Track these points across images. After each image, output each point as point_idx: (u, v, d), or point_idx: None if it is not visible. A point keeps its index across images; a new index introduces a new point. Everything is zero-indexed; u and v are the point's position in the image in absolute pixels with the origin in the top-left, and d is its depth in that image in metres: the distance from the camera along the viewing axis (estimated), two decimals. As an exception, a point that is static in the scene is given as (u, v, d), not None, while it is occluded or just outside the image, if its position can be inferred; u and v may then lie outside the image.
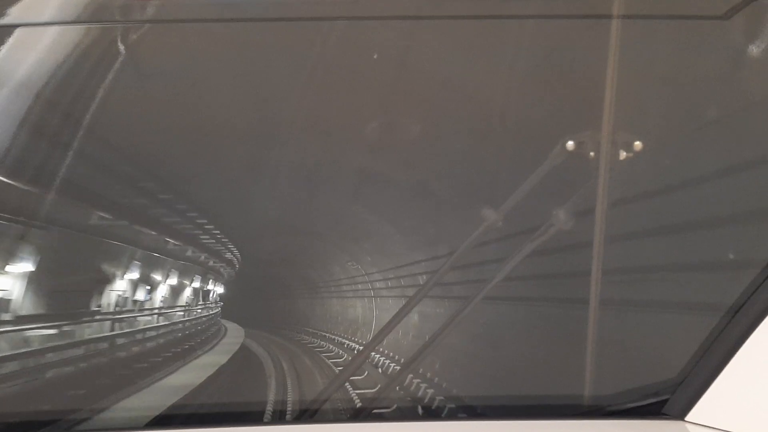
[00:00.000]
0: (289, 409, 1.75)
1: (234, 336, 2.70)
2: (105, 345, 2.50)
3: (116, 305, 2.55)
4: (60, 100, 2.18)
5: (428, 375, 1.93)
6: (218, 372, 2.40)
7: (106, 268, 2.55)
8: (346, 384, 1.76)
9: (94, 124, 2.12)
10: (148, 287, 2.72)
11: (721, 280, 1.73)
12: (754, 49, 1.79)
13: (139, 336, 2.66)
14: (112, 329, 2.52)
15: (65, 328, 2.41)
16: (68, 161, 2.15)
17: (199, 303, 2.89)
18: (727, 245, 1.72)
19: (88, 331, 2.46)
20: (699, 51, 1.89)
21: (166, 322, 2.81)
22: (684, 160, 1.86)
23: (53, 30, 2.13)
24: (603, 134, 1.75)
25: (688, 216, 1.83)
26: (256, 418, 1.70)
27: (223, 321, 2.80)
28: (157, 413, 1.66)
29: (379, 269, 2.76)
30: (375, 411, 1.66)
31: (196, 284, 2.90)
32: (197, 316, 2.86)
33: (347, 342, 2.62)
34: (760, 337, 1.43)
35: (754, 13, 1.77)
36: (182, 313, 2.85)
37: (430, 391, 1.88)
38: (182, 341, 2.74)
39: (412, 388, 1.89)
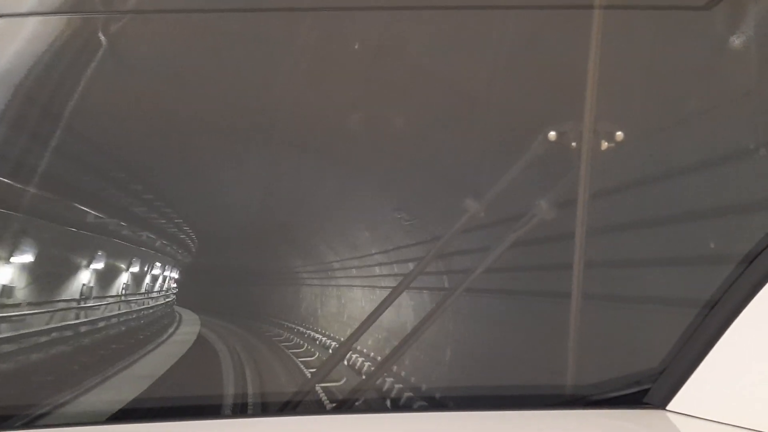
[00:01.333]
0: (250, 402, 1.74)
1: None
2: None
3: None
4: (39, 91, 2.16)
5: (409, 367, 1.92)
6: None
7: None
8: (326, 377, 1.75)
9: (72, 113, 2.10)
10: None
11: (701, 272, 1.74)
12: (735, 40, 1.79)
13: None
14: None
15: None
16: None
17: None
18: (707, 238, 1.72)
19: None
20: (681, 42, 1.89)
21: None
22: (664, 153, 1.86)
23: (33, 21, 2.12)
24: (585, 125, 1.76)
25: (668, 208, 1.84)
26: (217, 411, 1.69)
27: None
28: (120, 407, 1.64)
29: (343, 258, 2.71)
30: (355, 403, 1.66)
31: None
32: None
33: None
34: (739, 329, 1.44)
35: (735, 3, 1.77)
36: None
37: (411, 383, 1.87)
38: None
39: (393, 380, 1.88)
